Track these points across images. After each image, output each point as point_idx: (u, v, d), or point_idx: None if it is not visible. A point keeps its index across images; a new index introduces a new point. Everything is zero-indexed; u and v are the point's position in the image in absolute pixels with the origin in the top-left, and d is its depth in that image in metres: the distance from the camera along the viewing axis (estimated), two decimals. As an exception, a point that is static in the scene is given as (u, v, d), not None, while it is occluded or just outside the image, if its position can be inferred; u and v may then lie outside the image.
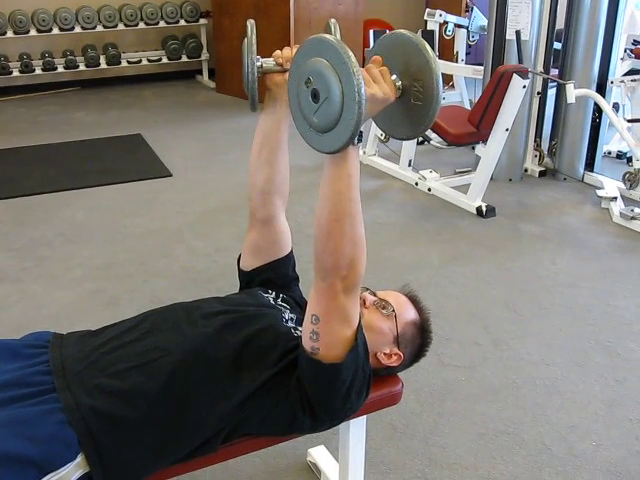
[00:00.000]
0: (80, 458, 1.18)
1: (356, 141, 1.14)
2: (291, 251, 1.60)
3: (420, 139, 3.95)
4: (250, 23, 1.39)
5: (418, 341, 1.48)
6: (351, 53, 1.07)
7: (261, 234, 1.56)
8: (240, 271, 1.63)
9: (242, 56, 1.41)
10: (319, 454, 1.88)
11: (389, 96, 1.18)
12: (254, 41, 1.36)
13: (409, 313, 1.48)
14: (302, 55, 1.15)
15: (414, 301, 1.52)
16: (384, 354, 1.43)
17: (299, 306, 1.56)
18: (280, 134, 1.50)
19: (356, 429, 1.55)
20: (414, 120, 1.22)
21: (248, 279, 1.60)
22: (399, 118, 1.25)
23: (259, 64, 1.38)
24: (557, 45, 4.14)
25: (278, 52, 1.42)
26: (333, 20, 1.36)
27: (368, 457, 1.69)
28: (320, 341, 1.25)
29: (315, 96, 1.12)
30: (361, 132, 1.15)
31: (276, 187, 1.53)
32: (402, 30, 1.24)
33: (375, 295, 1.48)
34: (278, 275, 1.58)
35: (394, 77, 1.20)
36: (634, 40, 4.55)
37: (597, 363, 2.37)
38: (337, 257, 1.19)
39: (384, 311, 1.44)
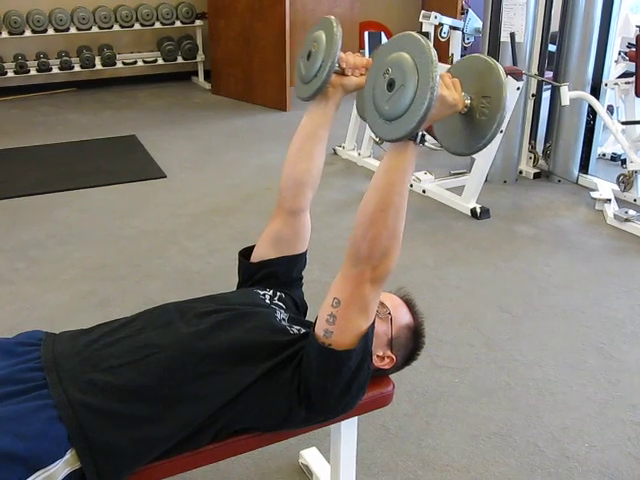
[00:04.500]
0: (69, 455, 1.17)
1: (418, 140, 1.22)
2: (306, 251, 1.60)
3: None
4: (334, 18, 1.46)
5: (411, 345, 1.49)
6: (432, 46, 1.15)
7: (286, 224, 1.55)
8: (245, 264, 1.60)
9: (311, 46, 1.46)
10: (311, 456, 1.88)
11: (457, 103, 1.26)
12: (340, 35, 1.42)
13: (404, 317, 1.48)
14: (384, 51, 1.24)
15: (409, 305, 1.52)
16: (377, 356, 1.44)
17: (296, 307, 1.57)
18: (325, 131, 1.54)
19: (347, 430, 1.54)
20: (476, 135, 1.30)
21: (253, 271, 1.58)
22: (461, 132, 1.33)
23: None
24: (551, 47, 4.15)
25: (342, 55, 1.47)
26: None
27: (360, 459, 1.68)
28: (336, 325, 1.27)
29: (391, 85, 1.20)
30: (423, 135, 1.22)
31: (312, 180, 1.55)
32: (477, 54, 1.36)
33: None
34: (285, 272, 1.57)
35: (463, 94, 1.28)
36: (628, 43, 4.56)
37: (590, 365, 2.37)
38: (373, 246, 1.24)
39: (380, 314, 1.44)
